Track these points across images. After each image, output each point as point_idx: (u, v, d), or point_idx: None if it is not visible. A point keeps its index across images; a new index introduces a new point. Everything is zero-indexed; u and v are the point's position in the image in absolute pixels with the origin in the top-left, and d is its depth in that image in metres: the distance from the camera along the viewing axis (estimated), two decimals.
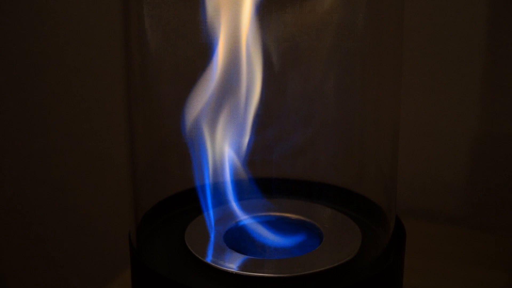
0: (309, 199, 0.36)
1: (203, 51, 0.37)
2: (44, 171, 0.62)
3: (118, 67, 0.54)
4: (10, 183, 0.63)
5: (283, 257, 0.32)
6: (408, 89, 0.48)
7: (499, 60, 0.49)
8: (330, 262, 0.31)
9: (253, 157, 0.37)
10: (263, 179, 0.36)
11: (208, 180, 0.34)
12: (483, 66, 0.49)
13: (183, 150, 0.38)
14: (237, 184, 0.37)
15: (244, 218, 0.35)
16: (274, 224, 0.34)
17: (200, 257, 0.32)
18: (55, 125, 0.60)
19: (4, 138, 0.62)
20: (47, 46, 0.58)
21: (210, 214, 0.34)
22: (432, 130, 0.51)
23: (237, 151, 0.35)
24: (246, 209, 0.35)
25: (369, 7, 0.35)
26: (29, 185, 0.63)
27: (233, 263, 0.31)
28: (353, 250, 0.32)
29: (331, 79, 0.37)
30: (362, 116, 0.37)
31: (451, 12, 0.49)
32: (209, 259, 0.31)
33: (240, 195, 0.36)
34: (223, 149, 0.35)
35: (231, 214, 0.35)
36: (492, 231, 0.50)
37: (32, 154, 0.62)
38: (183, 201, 0.36)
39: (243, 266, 0.31)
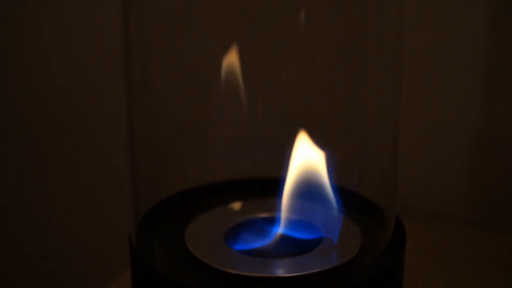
0: (309, 199, 0.36)
1: (203, 51, 0.37)
2: (44, 171, 0.62)
3: (118, 67, 0.54)
4: (10, 183, 0.63)
5: (283, 257, 0.32)
6: (408, 89, 0.48)
7: (499, 60, 0.49)
8: (330, 262, 0.31)
9: (253, 156, 0.37)
10: (264, 179, 0.36)
11: None
12: (483, 66, 0.49)
13: (183, 150, 0.38)
14: (238, 184, 0.37)
15: (244, 218, 0.35)
16: (274, 224, 0.34)
17: (200, 257, 0.32)
18: (54, 125, 0.60)
19: (4, 138, 0.62)
20: (47, 46, 0.58)
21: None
22: (432, 130, 0.51)
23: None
24: (246, 209, 0.35)
25: (369, 6, 0.35)
26: (29, 185, 0.63)
27: (233, 263, 0.31)
28: (353, 250, 0.32)
29: (331, 79, 0.37)
30: (362, 116, 0.37)
31: (451, 12, 0.49)
32: (209, 259, 0.31)
33: (240, 195, 0.36)
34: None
35: (231, 214, 0.35)
36: (492, 231, 0.50)
37: (32, 154, 0.62)
38: (183, 201, 0.36)
39: (243, 266, 0.31)
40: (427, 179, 0.52)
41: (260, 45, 0.36)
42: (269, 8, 0.36)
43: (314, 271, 0.31)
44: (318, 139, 0.38)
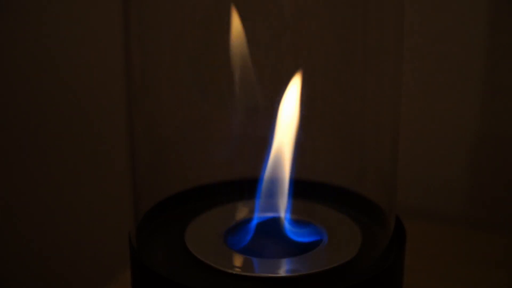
0: (309, 199, 0.36)
1: (204, 50, 0.37)
2: (44, 171, 0.62)
3: (118, 67, 0.54)
4: (11, 184, 0.63)
5: (283, 257, 0.32)
6: (408, 89, 0.48)
7: (499, 60, 0.49)
8: (330, 262, 0.31)
9: (252, 156, 0.37)
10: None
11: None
12: (483, 66, 0.49)
13: (183, 150, 0.38)
14: (238, 184, 0.37)
15: (244, 218, 0.35)
16: (274, 224, 0.34)
17: (200, 257, 0.32)
18: (55, 125, 0.60)
19: (4, 138, 0.62)
20: (46, 46, 0.58)
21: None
22: (432, 130, 0.51)
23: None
24: (246, 209, 0.35)
25: (369, 6, 0.35)
26: (29, 185, 0.63)
27: (233, 263, 0.31)
28: (353, 250, 0.32)
29: (332, 79, 0.37)
30: (362, 116, 0.37)
31: (451, 12, 0.49)
32: (209, 259, 0.31)
33: (241, 195, 0.36)
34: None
35: (231, 214, 0.35)
36: (492, 231, 0.50)
37: (32, 154, 0.62)
38: (183, 201, 0.36)
39: (243, 266, 0.31)
40: (427, 179, 0.52)
41: (260, 46, 0.36)
42: (269, 8, 0.36)
43: (314, 271, 0.31)
44: (318, 139, 0.38)
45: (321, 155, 0.38)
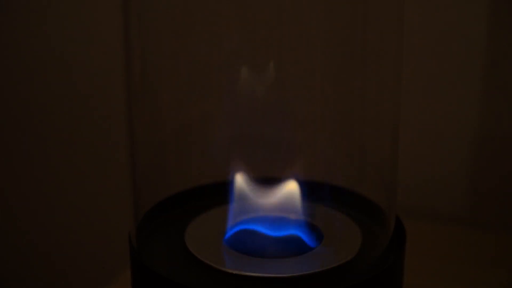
0: (309, 199, 0.36)
1: (204, 50, 0.37)
2: (44, 171, 0.62)
3: (118, 67, 0.54)
4: (11, 183, 0.63)
5: (283, 257, 0.32)
6: (408, 89, 0.48)
7: (499, 60, 0.49)
8: (330, 262, 0.31)
9: (252, 156, 0.37)
10: (263, 179, 0.36)
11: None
12: (483, 66, 0.49)
13: (183, 150, 0.38)
14: (237, 184, 0.37)
15: (244, 218, 0.35)
16: (274, 224, 0.34)
17: (200, 257, 0.32)
18: (54, 125, 0.60)
19: (3, 138, 0.62)
20: (47, 46, 0.58)
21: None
22: (432, 130, 0.51)
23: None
24: (246, 209, 0.35)
25: (369, 6, 0.35)
26: (29, 185, 0.63)
27: (233, 263, 0.31)
28: (353, 250, 0.32)
29: (332, 79, 0.37)
30: (362, 116, 0.37)
31: (451, 12, 0.49)
32: (209, 259, 0.31)
33: (241, 195, 0.36)
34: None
35: (231, 214, 0.35)
36: (492, 230, 0.50)
37: (31, 154, 0.62)
38: (183, 201, 0.36)
39: (243, 266, 0.31)
40: (427, 179, 0.52)
41: (260, 45, 0.36)
42: (269, 8, 0.36)
43: (314, 271, 0.31)
44: (318, 139, 0.38)
45: (321, 155, 0.38)
